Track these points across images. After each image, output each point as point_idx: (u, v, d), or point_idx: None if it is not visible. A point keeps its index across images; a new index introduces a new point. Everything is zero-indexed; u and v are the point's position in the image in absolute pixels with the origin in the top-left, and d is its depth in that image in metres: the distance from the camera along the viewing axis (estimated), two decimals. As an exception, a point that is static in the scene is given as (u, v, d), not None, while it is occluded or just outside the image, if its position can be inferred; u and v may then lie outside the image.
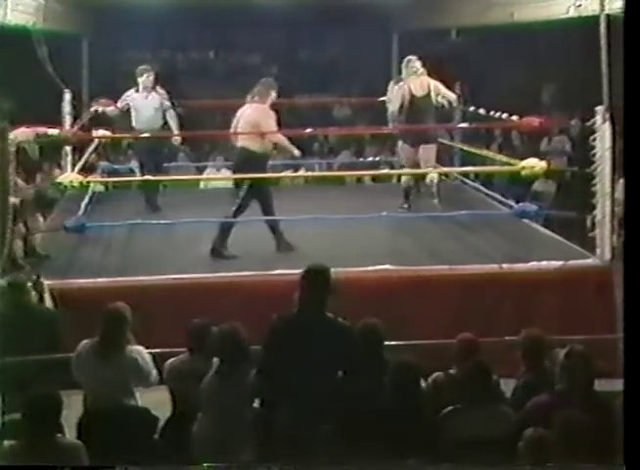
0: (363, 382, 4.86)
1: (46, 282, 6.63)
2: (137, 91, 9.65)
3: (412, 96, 9.10)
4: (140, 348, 5.30)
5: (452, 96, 9.26)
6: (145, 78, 9.60)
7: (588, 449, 4.07)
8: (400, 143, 9.46)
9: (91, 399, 5.17)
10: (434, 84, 9.15)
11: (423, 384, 5.11)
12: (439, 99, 9.08)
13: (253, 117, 7.95)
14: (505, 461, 4.35)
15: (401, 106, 9.18)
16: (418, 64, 9.24)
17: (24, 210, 7.66)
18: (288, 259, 7.35)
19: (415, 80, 9.16)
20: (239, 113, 8.15)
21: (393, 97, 9.47)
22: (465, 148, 10.43)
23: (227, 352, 4.95)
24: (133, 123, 9.63)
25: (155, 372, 5.31)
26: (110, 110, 9.78)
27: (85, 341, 5.31)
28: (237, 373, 4.91)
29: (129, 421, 5.06)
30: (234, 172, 8.29)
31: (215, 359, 5.02)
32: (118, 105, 9.70)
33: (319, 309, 4.77)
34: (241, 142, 8.02)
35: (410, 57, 9.39)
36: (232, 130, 8.22)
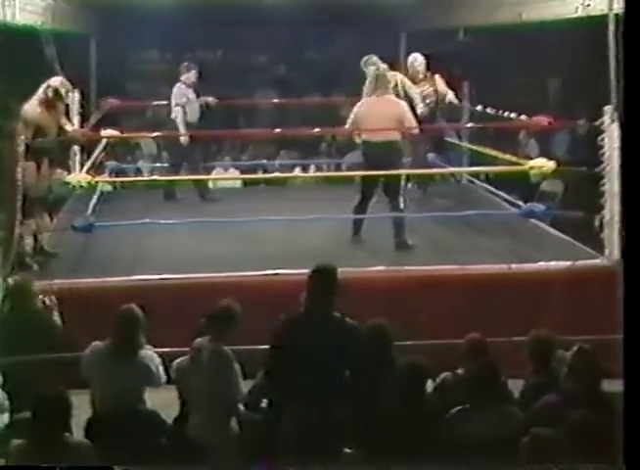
0: (371, 382, 4.85)
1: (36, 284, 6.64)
2: (188, 86, 9.96)
3: None
4: (152, 353, 5.31)
5: (415, 91, 9.38)
6: (192, 74, 9.96)
7: (595, 450, 4.07)
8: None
9: (100, 400, 5.18)
10: (401, 79, 9.36)
11: (431, 384, 5.11)
12: (408, 92, 9.27)
13: (398, 110, 7.96)
14: (513, 462, 4.34)
15: None
16: (379, 62, 9.36)
17: (35, 206, 7.69)
18: (294, 259, 7.33)
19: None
20: (365, 107, 8.04)
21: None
22: (473, 148, 10.37)
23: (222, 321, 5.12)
24: (187, 118, 9.87)
25: (164, 375, 5.31)
26: (179, 111, 9.90)
27: (97, 342, 5.32)
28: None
29: (137, 423, 5.07)
30: (376, 168, 7.90)
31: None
32: (179, 102, 9.86)
33: (327, 309, 4.76)
34: (383, 136, 7.85)
35: (370, 55, 9.53)
36: (350, 124, 8.14)
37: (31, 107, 7.67)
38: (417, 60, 9.81)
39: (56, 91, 7.78)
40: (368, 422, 4.75)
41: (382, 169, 7.82)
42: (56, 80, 7.90)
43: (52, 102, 7.75)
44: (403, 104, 8.18)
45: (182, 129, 9.86)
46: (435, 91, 9.74)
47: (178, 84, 10.01)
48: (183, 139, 9.84)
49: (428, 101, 9.69)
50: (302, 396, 4.71)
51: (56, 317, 6.20)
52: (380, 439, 4.65)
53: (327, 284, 4.79)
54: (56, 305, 6.37)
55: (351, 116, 8.15)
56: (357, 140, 8.25)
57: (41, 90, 7.76)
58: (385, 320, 5.23)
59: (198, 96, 10.12)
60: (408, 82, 9.35)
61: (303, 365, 4.71)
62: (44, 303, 6.27)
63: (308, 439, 4.66)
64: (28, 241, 7.53)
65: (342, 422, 4.75)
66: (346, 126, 8.28)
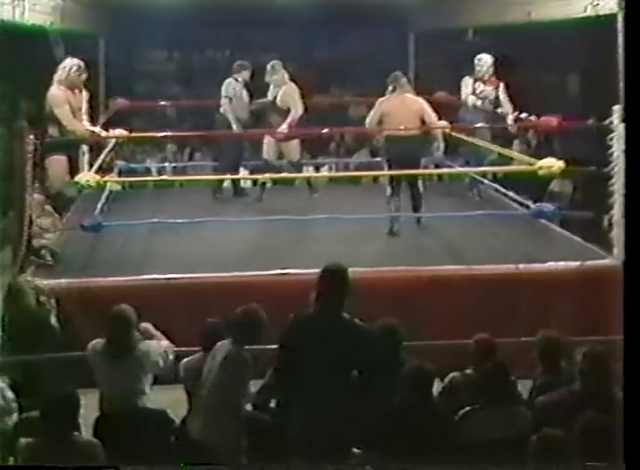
0: (380, 382, 4.84)
1: (42, 283, 6.70)
2: (237, 81, 10.00)
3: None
4: (147, 343, 5.32)
5: (297, 110, 9.44)
6: (245, 73, 10.02)
7: (603, 450, 4.07)
8: (267, 138, 9.67)
9: (104, 399, 5.20)
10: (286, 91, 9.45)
11: (439, 384, 5.10)
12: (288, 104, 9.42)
13: (418, 106, 8.54)
14: (521, 462, 4.33)
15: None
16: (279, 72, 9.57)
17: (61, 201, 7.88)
18: (303, 259, 7.33)
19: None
20: (388, 104, 8.52)
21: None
22: (481, 145, 10.34)
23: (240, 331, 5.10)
24: (236, 113, 9.93)
25: (161, 362, 5.32)
26: (226, 103, 9.95)
27: (95, 340, 5.34)
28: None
29: (145, 423, 5.08)
30: (400, 160, 8.40)
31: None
32: (227, 94, 9.92)
33: (336, 310, 4.74)
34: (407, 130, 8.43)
35: (276, 61, 9.79)
36: (374, 120, 8.56)
37: (55, 89, 8.15)
38: (481, 59, 9.84)
39: (70, 69, 8.22)
40: (377, 422, 4.74)
41: (405, 161, 8.34)
42: (70, 61, 8.31)
43: (71, 80, 8.23)
44: (422, 100, 8.63)
45: (234, 123, 9.88)
46: (496, 98, 9.74)
47: (229, 80, 10.02)
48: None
49: (479, 103, 9.76)
50: (310, 396, 4.70)
51: (53, 320, 6.24)
52: (388, 439, 4.65)
53: (337, 284, 4.77)
54: (55, 307, 6.40)
55: (375, 112, 8.58)
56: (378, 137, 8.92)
57: (58, 73, 8.19)
58: (394, 320, 5.23)
59: (250, 95, 10.12)
60: (294, 95, 9.47)
61: (312, 366, 4.70)
62: (44, 304, 6.31)
63: (316, 439, 4.66)
64: (49, 235, 7.63)
65: (350, 422, 4.74)
66: (369, 122, 8.64)
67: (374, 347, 4.88)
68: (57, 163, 8.14)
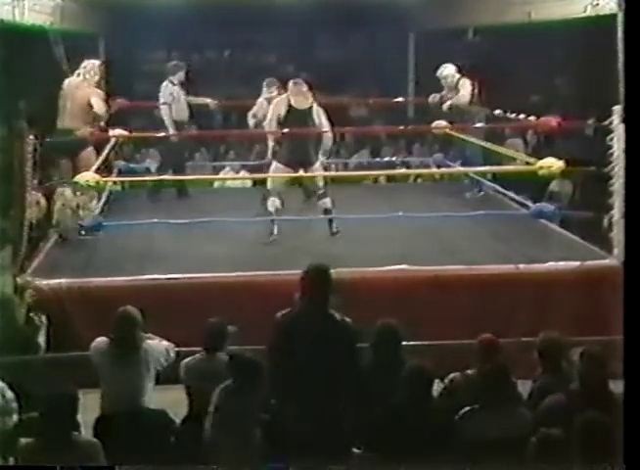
0: (380, 382, 4.85)
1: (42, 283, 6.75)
2: (174, 84, 10.05)
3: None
4: (149, 341, 5.35)
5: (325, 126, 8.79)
6: (181, 74, 10.10)
7: (603, 450, 4.07)
8: (274, 163, 8.60)
9: (106, 399, 5.20)
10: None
11: (439, 384, 5.10)
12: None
13: None
14: (521, 463, 4.33)
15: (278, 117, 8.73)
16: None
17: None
18: (305, 259, 7.32)
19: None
20: (288, 104, 8.63)
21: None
22: (487, 147, 10.35)
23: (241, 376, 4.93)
24: (173, 116, 9.98)
25: (169, 357, 5.37)
26: (165, 109, 10.03)
27: (98, 339, 5.36)
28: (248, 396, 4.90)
29: (145, 423, 5.08)
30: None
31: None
32: (166, 100, 9.97)
33: (322, 308, 4.81)
34: None
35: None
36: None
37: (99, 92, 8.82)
38: (442, 70, 10.00)
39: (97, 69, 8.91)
40: (377, 422, 4.74)
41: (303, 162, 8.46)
42: (92, 63, 8.93)
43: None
44: None
45: (170, 127, 9.94)
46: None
47: (165, 83, 10.07)
48: (172, 138, 9.98)
49: (449, 103, 9.87)
50: (302, 396, 4.72)
51: (40, 339, 6.26)
52: (388, 439, 4.64)
53: (320, 283, 4.84)
54: (45, 324, 6.42)
55: (279, 111, 8.37)
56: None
57: (97, 75, 8.87)
58: (394, 320, 5.23)
59: (188, 94, 10.19)
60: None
61: (302, 364, 4.73)
62: (33, 321, 6.33)
63: (316, 439, 4.66)
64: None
65: (349, 422, 4.74)
66: (276, 123, 8.37)
67: (359, 343, 4.91)
68: (88, 154, 8.67)
